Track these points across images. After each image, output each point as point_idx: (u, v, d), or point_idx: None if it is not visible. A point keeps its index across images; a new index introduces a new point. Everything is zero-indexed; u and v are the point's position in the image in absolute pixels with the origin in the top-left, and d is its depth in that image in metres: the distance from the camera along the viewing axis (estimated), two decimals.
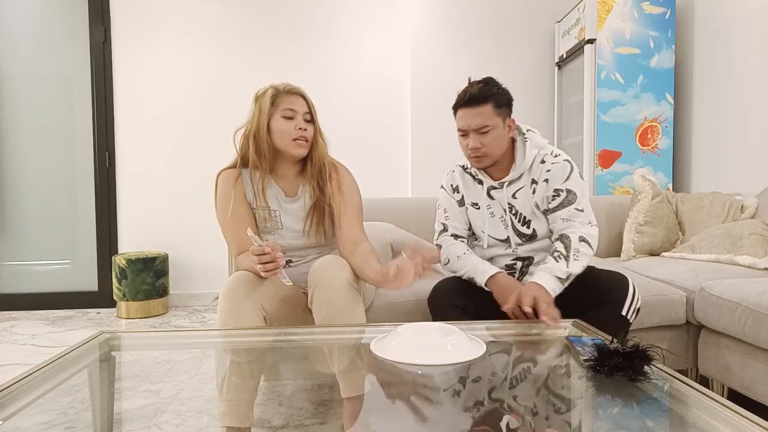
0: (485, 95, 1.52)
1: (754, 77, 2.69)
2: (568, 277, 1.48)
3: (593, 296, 1.50)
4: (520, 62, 3.70)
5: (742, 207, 2.31)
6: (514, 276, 1.69)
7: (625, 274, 1.57)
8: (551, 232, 1.63)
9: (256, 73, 3.64)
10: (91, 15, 3.54)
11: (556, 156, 1.60)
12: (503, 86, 1.58)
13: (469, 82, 1.57)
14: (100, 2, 3.54)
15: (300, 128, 1.56)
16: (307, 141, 1.59)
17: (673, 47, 3.11)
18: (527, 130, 1.63)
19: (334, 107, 3.68)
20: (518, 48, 3.69)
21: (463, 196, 1.71)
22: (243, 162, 1.63)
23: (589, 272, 1.57)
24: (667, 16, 3.10)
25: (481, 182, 1.68)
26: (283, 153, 1.59)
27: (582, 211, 1.57)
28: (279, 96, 1.57)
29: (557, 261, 1.50)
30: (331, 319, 1.43)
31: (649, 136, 3.13)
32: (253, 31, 3.64)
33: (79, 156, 3.61)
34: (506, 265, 1.68)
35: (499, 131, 1.55)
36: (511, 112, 1.59)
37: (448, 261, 1.68)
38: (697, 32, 3.12)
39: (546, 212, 1.61)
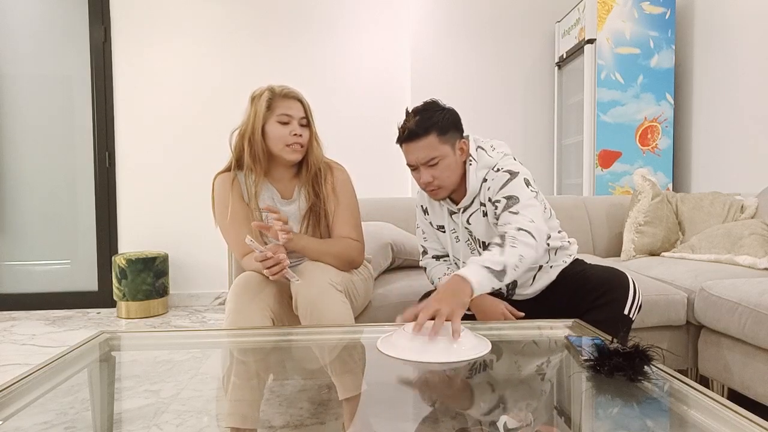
0: (425, 126, 1.42)
1: (754, 77, 2.69)
2: (504, 270, 1.27)
3: (594, 297, 1.46)
4: (520, 62, 3.70)
5: (742, 207, 2.31)
6: (503, 298, 1.62)
7: (624, 271, 1.52)
8: None
9: (256, 72, 3.64)
10: (91, 15, 3.54)
11: (497, 170, 1.48)
12: (447, 108, 1.47)
13: (407, 114, 1.47)
14: (100, 2, 3.54)
15: (295, 134, 1.55)
16: (302, 146, 1.58)
17: (673, 47, 3.11)
18: (477, 149, 1.52)
19: (334, 107, 3.68)
20: (518, 48, 3.69)
21: (430, 220, 1.66)
22: (238, 164, 1.62)
23: (588, 271, 1.55)
24: (667, 16, 3.10)
25: (442, 205, 1.62)
26: (278, 157, 1.58)
27: (517, 213, 1.38)
28: (275, 99, 1.55)
29: (491, 250, 1.31)
30: (314, 321, 1.43)
31: (649, 136, 3.13)
32: (253, 31, 3.64)
33: (79, 156, 3.61)
34: (492, 287, 1.63)
35: (449, 160, 1.45)
36: (461, 133, 1.50)
37: (433, 282, 1.67)
38: (697, 32, 3.12)
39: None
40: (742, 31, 2.78)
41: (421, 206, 1.68)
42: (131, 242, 3.64)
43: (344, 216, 1.63)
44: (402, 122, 1.48)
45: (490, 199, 1.48)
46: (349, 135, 3.69)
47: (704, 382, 1.85)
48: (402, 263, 2.17)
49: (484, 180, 1.50)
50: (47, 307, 3.60)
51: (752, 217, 2.26)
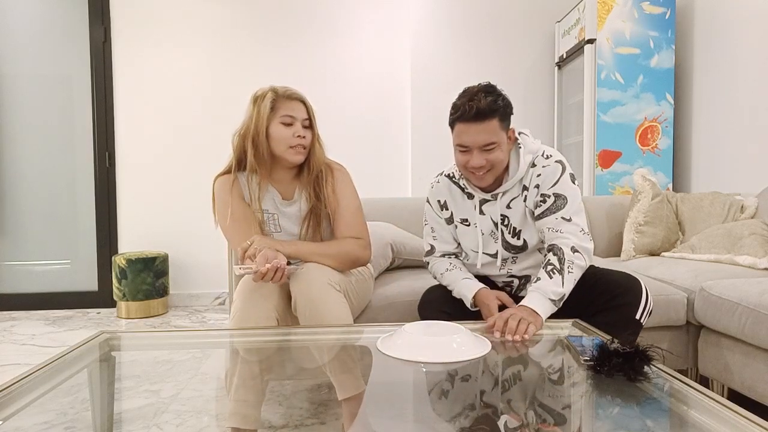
0: (493, 109, 1.36)
1: (754, 77, 2.69)
2: (562, 298, 1.36)
3: (606, 299, 1.44)
4: (520, 62, 3.70)
5: (742, 207, 2.31)
6: (511, 293, 1.63)
7: (637, 277, 1.50)
8: (542, 242, 1.52)
9: (256, 72, 3.64)
10: (91, 15, 3.54)
11: (547, 157, 1.47)
12: (504, 93, 1.42)
13: (470, 92, 1.39)
14: (100, 2, 3.54)
15: (298, 135, 1.55)
16: (305, 148, 1.57)
17: (673, 47, 3.11)
18: (519, 134, 1.50)
19: (334, 107, 3.68)
20: (518, 48, 3.69)
21: (452, 213, 1.59)
22: (238, 164, 1.61)
23: (601, 273, 1.53)
24: (667, 16, 3.10)
25: (471, 195, 1.55)
26: (280, 159, 1.58)
27: (569, 221, 1.42)
28: (278, 101, 1.55)
29: (551, 277, 1.37)
30: (313, 321, 1.43)
31: (649, 136, 3.13)
32: (253, 30, 3.64)
33: (79, 156, 3.61)
34: (503, 282, 1.63)
35: (503, 147, 1.42)
36: (510, 121, 1.45)
37: (436, 277, 1.65)
38: (697, 32, 3.12)
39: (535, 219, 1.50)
40: (742, 31, 2.78)
41: (438, 201, 1.60)
42: (131, 242, 3.64)
43: (345, 216, 1.63)
44: (465, 100, 1.38)
45: (537, 186, 1.46)
46: (349, 135, 3.69)
47: (704, 382, 1.85)
48: (402, 263, 2.17)
49: (533, 165, 1.47)
50: (47, 307, 3.60)
51: (752, 217, 2.26)
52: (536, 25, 3.69)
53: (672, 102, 3.12)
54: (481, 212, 1.55)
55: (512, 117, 1.46)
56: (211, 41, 3.62)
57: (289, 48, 3.67)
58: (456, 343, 1.11)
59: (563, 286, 1.36)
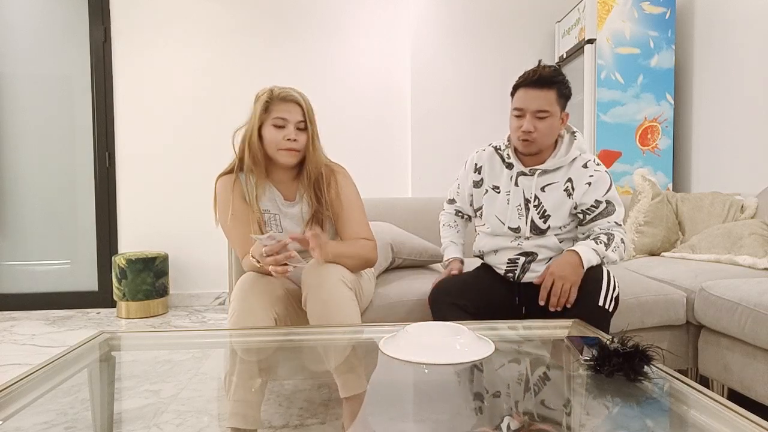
0: (554, 80, 1.50)
1: (754, 77, 2.69)
2: (603, 258, 1.52)
3: None
4: (520, 62, 3.69)
5: (742, 207, 2.31)
6: (515, 272, 1.66)
7: (600, 265, 1.57)
8: (561, 230, 1.62)
9: (256, 73, 3.64)
10: (91, 15, 3.54)
11: (598, 165, 1.61)
12: (567, 80, 1.57)
13: (539, 64, 1.55)
14: (100, 2, 3.53)
15: (289, 138, 1.52)
16: (297, 151, 1.56)
17: (673, 47, 3.11)
18: (574, 132, 1.65)
19: (334, 107, 3.68)
20: (518, 48, 3.69)
21: (483, 178, 1.70)
22: (240, 164, 1.61)
23: None
24: (667, 16, 3.10)
25: (510, 166, 1.65)
26: (275, 160, 1.58)
27: (619, 225, 1.60)
28: (273, 102, 1.53)
29: (597, 243, 1.52)
30: (324, 319, 1.42)
31: (649, 136, 3.13)
32: (253, 31, 3.64)
33: (79, 156, 3.61)
34: (509, 260, 1.66)
35: (554, 120, 1.54)
36: (566, 105, 1.58)
37: (440, 222, 1.91)
38: (697, 32, 3.12)
39: (578, 216, 1.62)
40: (742, 31, 2.78)
41: (475, 164, 1.72)
42: (131, 242, 3.64)
43: (353, 218, 1.62)
44: (532, 68, 1.53)
45: (589, 184, 1.58)
46: (349, 134, 3.69)
47: (704, 382, 1.85)
48: (402, 263, 2.17)
49: (585, 165, 1.59)
50: (47, 307, 3.60)
51: (752, 217, 2.26)
52: (536, 25, 3.69)
53: (672, 102, 3.12)
54: (516, 184, 1.64)
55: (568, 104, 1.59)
56: (211, 41, 3.62)
57: (290, 48, 3.67)
58: (459, 345, 1.11)
59: (607, 251, 1.52)
